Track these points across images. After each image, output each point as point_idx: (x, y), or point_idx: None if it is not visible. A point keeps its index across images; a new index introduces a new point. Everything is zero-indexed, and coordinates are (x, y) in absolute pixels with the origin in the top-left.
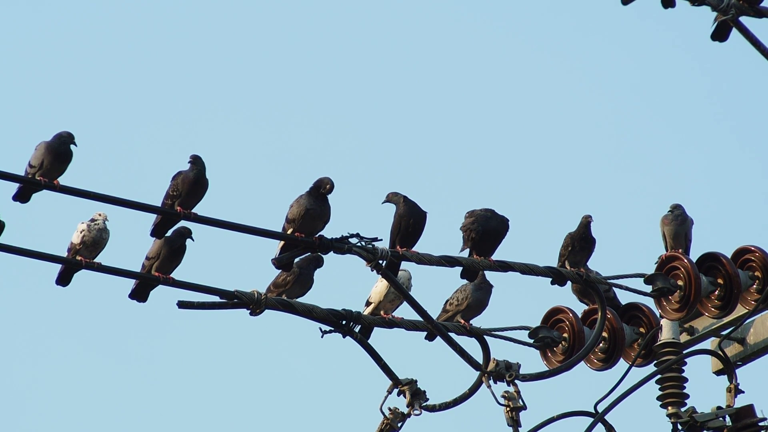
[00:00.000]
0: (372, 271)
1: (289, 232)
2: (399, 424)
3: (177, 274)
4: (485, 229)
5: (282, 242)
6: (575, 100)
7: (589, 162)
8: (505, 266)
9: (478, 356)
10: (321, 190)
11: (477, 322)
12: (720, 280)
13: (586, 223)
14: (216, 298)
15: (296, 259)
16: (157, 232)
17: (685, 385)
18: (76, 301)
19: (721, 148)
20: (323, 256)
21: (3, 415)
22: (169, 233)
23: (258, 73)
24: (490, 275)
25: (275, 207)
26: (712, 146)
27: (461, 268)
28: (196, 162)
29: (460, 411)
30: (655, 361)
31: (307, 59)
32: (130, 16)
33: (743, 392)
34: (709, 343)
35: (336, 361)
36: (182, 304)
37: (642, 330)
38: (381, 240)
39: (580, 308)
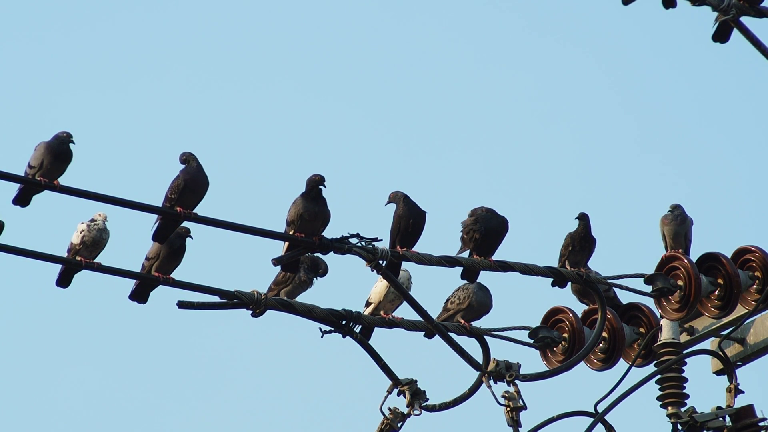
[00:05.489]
0: (372, 271)
1: (290, 234)
2: (399, 424)
3: (177, 274)
4: (487, 229)
5: (287, 243)
6: (575, 99)
7: (590, 162)
8: (505, 266)
9: (478, 356)
10: (317, 185)
11: (477, 321)
12: (720, 280)
13: (584, 221)
14: (216, 298)
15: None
16: (158, 236)
17: (685, 385)
18: (76, 302)
19: (721, 147)
20: (324, 258)
21: (3, 415)
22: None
23: (259, 72)
24: (490, 275)
25: (276, 207)
26: (712, 146)
27: (461, 269)
28: (189, 160)
29: (460, 411)
30: (655, 361)
31: (308, 58)
32: (130, 15)
33: (743, 392)
34: (709, 343)
35: (336, 361)
36: (182, 304)
37: (642, 330)
38: (381, 240)
39: (580, 308)
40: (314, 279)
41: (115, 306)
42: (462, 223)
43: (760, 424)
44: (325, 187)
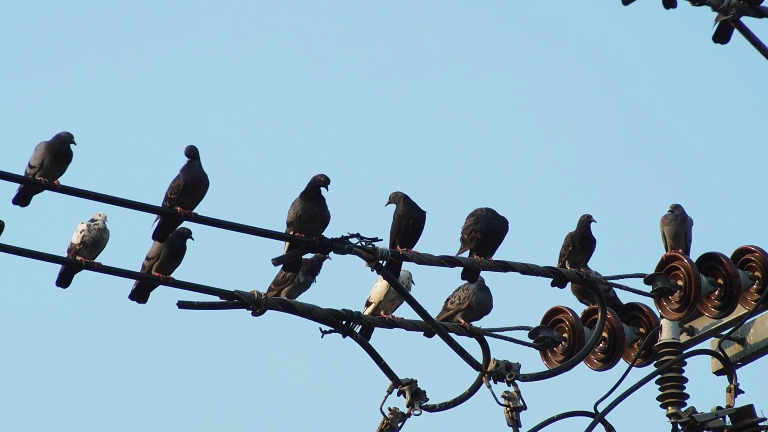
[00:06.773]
0: (372, 271)
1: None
2: (399, 424)
3: (177, 274)
4: (488, 229)
5: (288, 243)
6: (575, 99)
7: (590, 162)
8: (505, 266)
9: (478, 356)
10: (320, 186)
11: (477, 321)
12: (720, 280)
13: (586, 222)
14: (216, 298)
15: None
16: (158, 235)
17: (685, 385)
18: (76, 302)
19: (721, 147)
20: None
21: (3, 415)
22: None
23: (259, 72)
24: (490, 275)
25: (276, 206)
26: (712, 146)
27: (462, 269)
28: (192, 155)
29: (460, 411)
30: (655, 361)
31: (308, 57)
32: (130, 15)
33: (743, 392)
34: (709, 343)
35: (336, 361)
36: (182, 304)
37: (642, 330)
38: (381, 240)
39: (580, 308)
40: (312, 282)
41: (115, 306)
42: (463, 229)
43: (760, 424)
44: (327, 189)
